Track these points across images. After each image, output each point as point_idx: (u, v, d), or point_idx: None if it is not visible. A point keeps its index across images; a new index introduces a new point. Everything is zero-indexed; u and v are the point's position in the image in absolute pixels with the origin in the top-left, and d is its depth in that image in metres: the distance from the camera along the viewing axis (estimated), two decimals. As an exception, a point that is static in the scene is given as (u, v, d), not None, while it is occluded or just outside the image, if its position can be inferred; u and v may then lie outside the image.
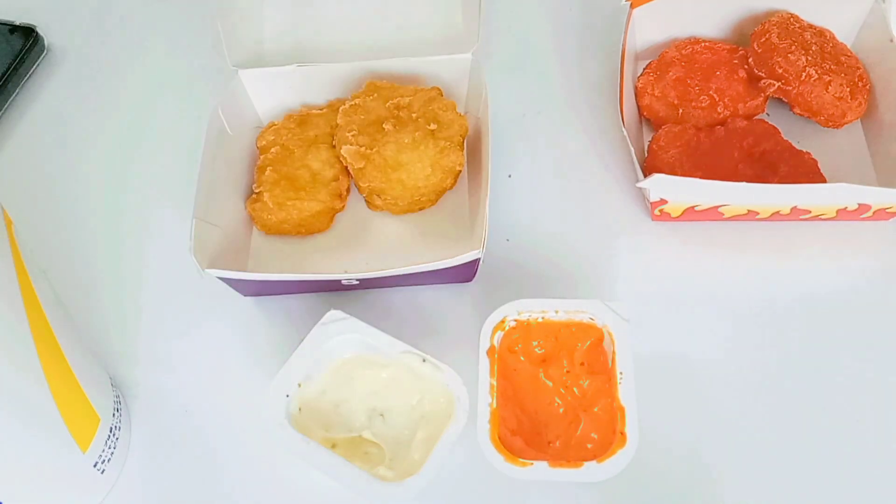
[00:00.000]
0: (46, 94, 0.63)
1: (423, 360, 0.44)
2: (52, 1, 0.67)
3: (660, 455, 0.46)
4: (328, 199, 0.53)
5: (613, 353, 0.44)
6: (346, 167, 0.53)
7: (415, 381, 0.45)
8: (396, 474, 0.43)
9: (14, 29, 0.63)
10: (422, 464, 0.41)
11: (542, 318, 0.45)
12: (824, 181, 0.52)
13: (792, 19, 0.56)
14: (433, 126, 0.52)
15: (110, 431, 0.45)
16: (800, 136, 0.55)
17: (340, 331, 0.45)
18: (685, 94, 0.55)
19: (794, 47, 0.54)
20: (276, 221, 0.53)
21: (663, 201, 0.51)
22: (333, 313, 0.45)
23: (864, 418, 0.47)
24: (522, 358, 0.46)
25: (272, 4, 0.58)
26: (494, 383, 0.43)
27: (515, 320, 0.45)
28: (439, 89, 0.55)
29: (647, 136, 0.57)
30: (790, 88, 0.54)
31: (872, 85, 0.56)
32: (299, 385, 0.44)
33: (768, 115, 0.56)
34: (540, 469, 0.41)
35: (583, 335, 0.45)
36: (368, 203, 0.55)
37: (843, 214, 0.51)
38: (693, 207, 0.51)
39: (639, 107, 0.57)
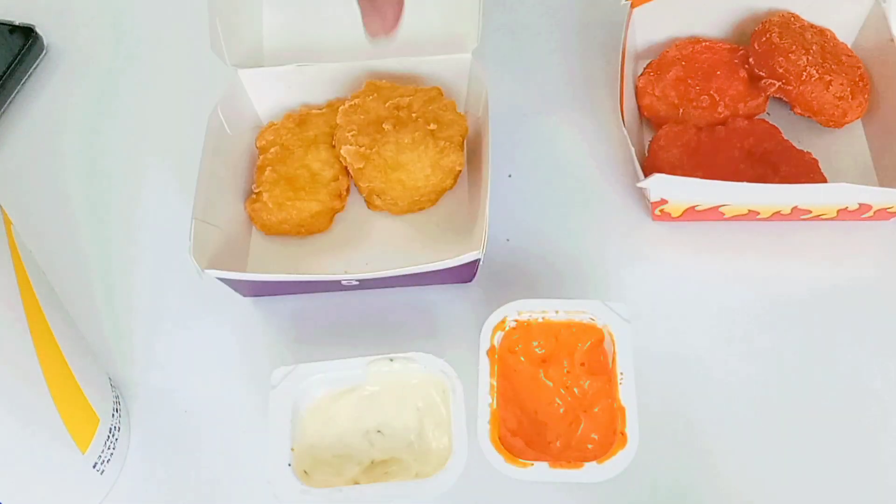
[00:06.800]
0: (46, 94, 0.63)
1: (392, 360, 0.44)
2: (52, 1, 0.67)
3: (660, 455, 0.46)
4: (328, 200, 0.53)
5: (614, 353, 0.44)
6: (346, 167, 0.53)
7: (392, 385, 0.44)
8: (432, 467, 0.42)
9: (14, 29, 0.63)
10: (450, 447, 0.41)
11: (543, 318, 0.45)
12: (825, 181, 0.52)
13: (792, 19, 0.56)
14: (433, 126, 0.52)
15: (110, 432, 0.45)
16: (800, 135, 0.55)
17: (295, 381, 0.43)
18: (685, 93, 0.55)
19: (794, 47, 0.54)
20: (276, 221, 0.52)
21: (664, 201, 0.51)
22: (278, 372, 0.44)
23: (865, 418, 0.47)
24: (523, 358, 0.46)
25: (272, 4, 0.58)
26: (494, 384, 0.43)
27: (515, 321, 0.45)
28: (439, 89, 0.55)
29: (648, 136, 0.57)
30: (791, 88, 0.54)
31: (873, 85, 0.55)
32: (292, 450, 0.43)
33: (769, 114, 0.56)
34: (540, 470, 0.41)
35: (583, 335, 0.45)
36: (368, 203, 0.55)
37: (843, 214, 0.51)
38: (693, 207, 0.51)
39: (639, 107, 0.57)
